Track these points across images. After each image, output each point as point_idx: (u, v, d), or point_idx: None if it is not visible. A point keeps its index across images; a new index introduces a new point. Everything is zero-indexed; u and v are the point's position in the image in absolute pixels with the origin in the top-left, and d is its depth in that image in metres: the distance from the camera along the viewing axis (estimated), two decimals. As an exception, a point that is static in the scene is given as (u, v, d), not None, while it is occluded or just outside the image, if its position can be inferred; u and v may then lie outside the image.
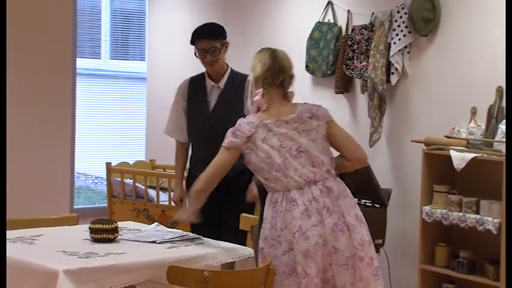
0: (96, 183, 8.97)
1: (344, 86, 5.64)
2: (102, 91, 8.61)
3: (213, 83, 4.16)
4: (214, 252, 3.30)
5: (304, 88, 6.00)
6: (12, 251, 3.11)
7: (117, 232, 3.38)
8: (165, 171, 6.11)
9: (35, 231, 3.51)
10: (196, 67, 6.98)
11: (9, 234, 3.41)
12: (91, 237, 3.35)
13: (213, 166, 3.37)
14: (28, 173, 5.01)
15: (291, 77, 3.53)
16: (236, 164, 3.40)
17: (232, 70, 4.22)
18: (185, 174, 4.30)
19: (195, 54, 4.17)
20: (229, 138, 3.36)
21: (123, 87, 8.74)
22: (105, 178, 5.94)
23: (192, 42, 4.15)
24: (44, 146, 5.05)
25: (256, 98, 3.42)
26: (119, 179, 5.77)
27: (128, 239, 3.43)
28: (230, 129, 3.37)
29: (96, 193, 8.92)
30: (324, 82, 5.82)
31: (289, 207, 3.33)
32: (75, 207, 7.69)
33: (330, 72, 5.69)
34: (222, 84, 4.15)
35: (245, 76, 4.11)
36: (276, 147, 3.35)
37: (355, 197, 5.10)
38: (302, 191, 3.34)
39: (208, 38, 4.10)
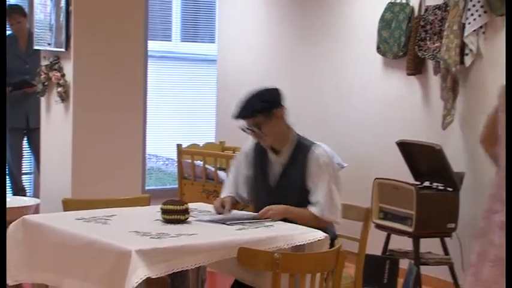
0: (167, 164, 9.08)
1: (416, 68, 5.55)
2: (172, 73, 8.68)
3: (275, 156, 3.70)
4: (285, 234, 3.29)
5: (375, 70, 5.93)
6: (86, 230, 3.18)
7: (188, 213, 3.41)
8: (234, 153, 6.13)
9: (108, 211, 3.57)
10: (266, 50, 6.99)
11: (84, 213, 3.49)
12: (162, 218, 3.39)
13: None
14: (101, 155, 5.09)
15: None
16: None
17: (296, 139, 3.70)
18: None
19: (242, 129, 3.68)
20: None
21: (193, 69, 8.79)
22: (176, 160, 5.99)
23: (233, 117, 3.69)
24: (116, 128, 5.12)
25: None
26: (189, 161, 5.82)
27: (199, 219, 3.46)
28: None
29: (167, 174, 9.02)
30: (396, 64, 5.74)
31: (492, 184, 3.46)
32: (146, 188, 7.81)
33: (401, 53, 5.60)
34: (283, 159, 3.68)
35: (309, 146, 3.65)
36: (502, 124, 3.42)
37: (427, 180, 5.07)
38: (500, 175, 3.38)
39: (245, 117, 3.63)
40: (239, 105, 3.67)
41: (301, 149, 3.68)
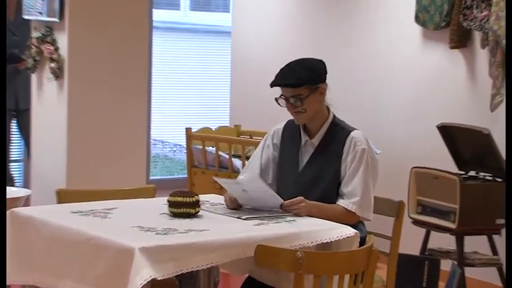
0: (175, 151, 9.12)
1: (460, 40, 5.53)
2: (181, 47, 8.70)
3: (307, 138, 3.72)
4: (309, 230, 3.30)
5: (413, 42, 5.91)
6: (84, 225, 3.20)
7: (199, 206, 3.42)
8: (251, 138, 6.15)
9: (108, 203, 3.59)
10: (288, 21, 6.98)
11: (81, 206, 3.51)
12: (170, 211, 3.40)
13: None
14: (100, 140, 5.11)
15: None
16: None
17: (333, 121, 3.72)
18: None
19: (276, 100, 3.67)
20: None
21: (204, 43, 8.81)
22: (185, 146, 6.02)
23: (271, 85, 3.66)
24: (117, 109, 5.14)
25: None
26: (200, 147, 5.84)
27: (210, 211, 3.47)
28: None
29: (174, 162, 9.07)
30: (437, 35, 5.71)
31: None
32: (151, 178, 7.85)
33: (444, 23, 5.58)
34: (316, 140, 3.70)
35: (348, 131, 3.67)
36: None
37: (472, 169, 5.06)
38: None
39: (288, 86, 3.61)
40: (280, 71, 3.65)
41: (338, 132, 3.69)
